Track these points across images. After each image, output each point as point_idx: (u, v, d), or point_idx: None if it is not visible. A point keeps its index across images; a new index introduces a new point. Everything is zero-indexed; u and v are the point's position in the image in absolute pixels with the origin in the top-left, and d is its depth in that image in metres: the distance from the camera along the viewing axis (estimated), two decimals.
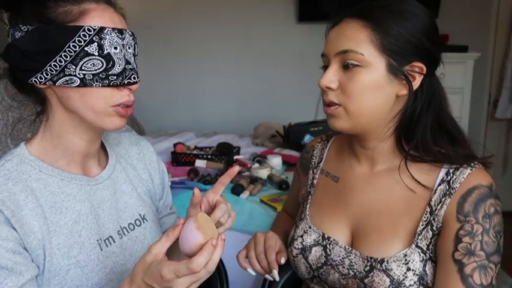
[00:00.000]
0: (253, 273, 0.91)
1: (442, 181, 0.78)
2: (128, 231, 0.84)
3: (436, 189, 0.78)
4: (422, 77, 0.77)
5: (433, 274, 0.76)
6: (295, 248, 0.90)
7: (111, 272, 0.79)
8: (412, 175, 0.80)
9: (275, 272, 0.88)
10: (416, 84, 0.77)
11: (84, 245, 0.76)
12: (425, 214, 0.78)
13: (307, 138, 2.27)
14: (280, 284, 1.11)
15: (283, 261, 0.90)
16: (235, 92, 3.49)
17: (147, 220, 0.89)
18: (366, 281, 0.79)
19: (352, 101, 0.77)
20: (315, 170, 0.99)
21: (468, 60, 2.93)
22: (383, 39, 0.75)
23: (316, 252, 0.87)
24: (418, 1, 0.79)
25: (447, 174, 0.79)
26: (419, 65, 0.77)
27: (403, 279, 0.75)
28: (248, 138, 2.74)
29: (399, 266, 0.76)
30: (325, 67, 0.81)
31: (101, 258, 0.78)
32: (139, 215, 0.88)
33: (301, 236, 0.90)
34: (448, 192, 0.77)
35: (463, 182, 0.76)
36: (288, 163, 2.05)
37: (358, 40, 0.75)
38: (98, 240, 0.78)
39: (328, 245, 0.86)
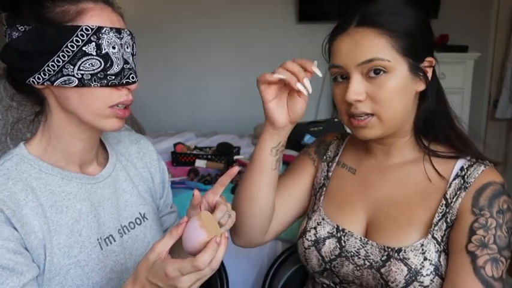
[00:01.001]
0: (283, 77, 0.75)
1: (457, 176, 0.81)
2: (128, 229, 0.84)
3: (451, 183, 0.81)
4: (432, 69, 0.82)
5: (446, 265, 0.78)
6: (307, 239, 0.90)
7: (112, 271, 0.79)
8: (433, 166, 0.83)
9: (315, 64, 0.76)
10: (429, 77, 0.82)
11: (84, 244, 0.76)
12: (441, 206, 0.80)
13: (307, 138, 2.27)
14: (283, 281, 1.11)
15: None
16: (235, 92, 3.49)
17: (147, 219, 0.89)
18: (382, 270, 0.80)
19: (385, 108, 0.78)
20: (330, 164, 0.99)
21: (468, 60, 2.93)
22: (401, 42, 0.77)
23: (330, 244, 0.87)
24: (418, 2, 0.81)
25: (461, 169, 0.82)
26: (430, 59, 0.81)
27: (420, 269, 0.76)
28: (248, 138, 2.74)
29: (416, 255, 0.77)
30: (336, 78, 0.83)
31: (101, 258, 0.78)
32: (140, 213, 0.88)
33: (315, 228, 0.90)
34: (463, 186, 0.79)
35: (477, 177, 0.79)
36: (288, 163, 2.04)
37: (380, 48, 0.76)
38: (98, 239, 0.78)
39: (342, 237, 0.86)
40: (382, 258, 0.80)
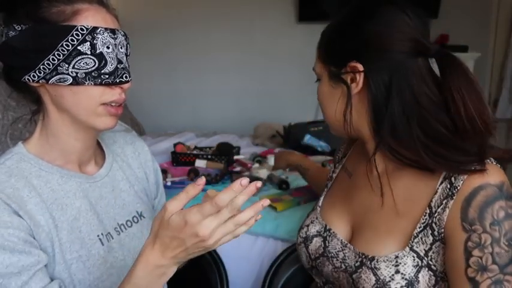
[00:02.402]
0: None
1: (445, 178, 0.71)
2: (125, 227, 0.85)
3: (438, 188, 0.72)
4: (362, 75, 0.75)
5: (426, 282, 0.72)
6: (300, 236, 0.93)
7: (112, 267, 0.80)
8: (373, 181, 0.83)
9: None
10: (359, 83, 0.76)
11: (84, 241, 0.77)
12: (424, 216, 0.72)
13: (307, 138, 2.27)
14: (283, 281, 1.11)
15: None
16: (236, 92, 3.49)
17: (144, 217, 0.90)
18: (354, 276, 0.79)
19: (322, 111, 0.86)
20: (337, 165, 1.01)
21: (468, 60, 2.92)
22: (322, 51, 0.82)
23: (316, 243, 0.88)
24: (418, 2, 0.78)
25: None
26: (352, 65, 0.76)
27: (389, 281, 0.72)
28: (248, 138, 2.73)
29: (388, 266, 0.73)
30: None
31: (102, 253, 0.79)
32: (137, 212, 0.89)
33: (307, 226, 0.92)
34: (450, 193, 0.69)
35: (466, 179, 0.68)
36: None
37: (316, 58, 0.85)
38: (98, 236, 0.80)
39: (327, 237, 0.87)
40: (356, 264, 0.79)
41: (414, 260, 0.72)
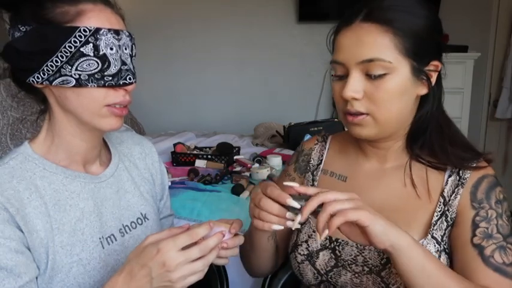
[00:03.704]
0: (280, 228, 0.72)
1: (452, 172, 0.81)
2: (130, 229, 0.85)
3: (448, 180, 0.81)
4: (437, 74, 0.79)
5: (446, 265, 0.76)
6: (300, 254, 0.87)
7: (113, 270, 0.79)
8: (412, 179, 0.82)
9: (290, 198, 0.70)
10: (433, 82, 0.78)
11: (86, 243, 0.76)
12: (439, 205, 0.80)
13: (307, 138, 2.27)
14: (283, 281, 1.11)
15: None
16: (236, 92, 3.50)
17: (148, 219, 0.90)
18: (382, 273, 0.78)
19: (381, 109, 0.75)
20: (315, 172, 0.95)
21: (468, 60, 2.93)
22: (405, 42, 0.72)
23: (324, 257, 0.85)
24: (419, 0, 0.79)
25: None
26: (435, 63, 0.78)
27: None
28: (248, 138, 2.74)
29: None
30: (339, 76, 0.78)
31: (103, 256, 0.78)
32: (141, 213, 0.89)
33: (306, 241, 0.87)
34: (460, 183, 0.79)
35: (472, 171, 0.80)
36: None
37: (382, 47, 0.72)
38: (100, 239, 0.79)
39: (337, 247, 0.84)
40: (382, 262, 0.79)
41: (435, 246, 0.78)
